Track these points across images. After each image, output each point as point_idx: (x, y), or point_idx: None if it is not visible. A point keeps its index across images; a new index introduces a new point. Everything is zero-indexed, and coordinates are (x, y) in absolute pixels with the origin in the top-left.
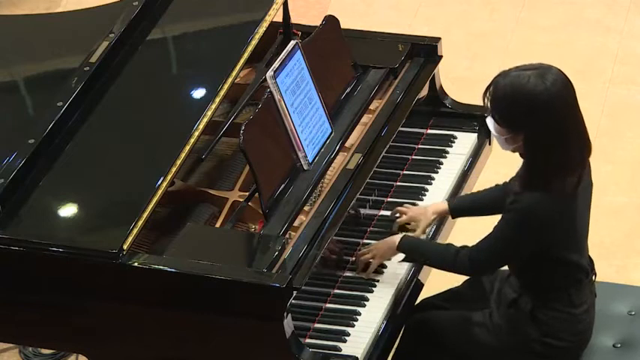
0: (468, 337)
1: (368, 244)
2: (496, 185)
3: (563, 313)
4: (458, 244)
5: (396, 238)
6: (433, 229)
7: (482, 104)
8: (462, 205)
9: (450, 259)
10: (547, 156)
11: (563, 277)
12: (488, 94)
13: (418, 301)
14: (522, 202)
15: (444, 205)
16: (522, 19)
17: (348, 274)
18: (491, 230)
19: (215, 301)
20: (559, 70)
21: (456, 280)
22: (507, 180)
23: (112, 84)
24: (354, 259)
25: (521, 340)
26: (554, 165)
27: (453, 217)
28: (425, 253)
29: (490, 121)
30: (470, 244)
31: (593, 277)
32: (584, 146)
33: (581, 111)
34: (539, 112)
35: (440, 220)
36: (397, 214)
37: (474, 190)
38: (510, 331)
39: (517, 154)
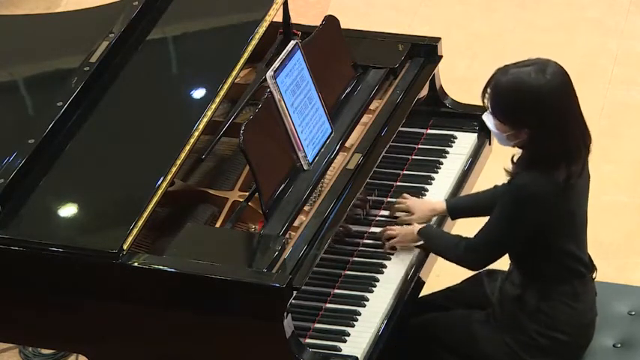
0: (472, 337)
1: (369, 243)
2: (495, 186)
3: (568, 306)
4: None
5: (420, 225)
6: (436, 224)
7: (482, 104)
8: (460, 206)
9: (450, 249)
10: (551, 149)
11: (564, 269)
12: (487, 93)
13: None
14: (519, 181)
15: (442, 205)
16: (522, 20)
17: (348, 273)
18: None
19: (215, 301)
20: (556, 63)
21: (455, 279)
22: (505, 182)
23: (112, 84)
24: (354, 258)
25: (525, 335)
26: (558, 156)
27: (452, 218)
28: (436, 242)
29: (489, 120)
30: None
31: (594, 275)
32: (584, 134)
33: (581, 111)
34: (543, 107)
35: (441, 219)
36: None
37: (474, 191)
38: (514, 326)
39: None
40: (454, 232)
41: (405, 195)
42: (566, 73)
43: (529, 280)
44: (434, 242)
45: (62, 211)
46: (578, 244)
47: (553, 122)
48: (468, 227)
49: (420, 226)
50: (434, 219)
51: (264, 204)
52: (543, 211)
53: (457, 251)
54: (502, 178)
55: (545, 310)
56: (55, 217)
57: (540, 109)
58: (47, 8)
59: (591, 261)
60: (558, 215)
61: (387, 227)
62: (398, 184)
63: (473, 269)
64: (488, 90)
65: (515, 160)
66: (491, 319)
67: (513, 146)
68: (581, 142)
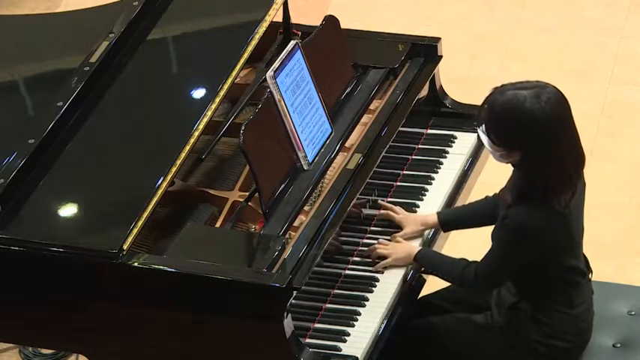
0: (471, 340)
1: (369, 243)
2: (486, 197)
3: (565, 314)
4: (458, 249)
5: (416, 248)
6: (431, 234)
7: (480, 106)
8: (452, 218)
9: (457, 274)
10: (543, 173)
11: (561, 281)
12: (483, 111)
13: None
14: (517, 217)
15: (434, 218)
16: (522, 19)
17: (348, 273)
18: (490, 241)
19: (215, 301)
20: (554, 87)
21: None
22: (497, 192)
23: (112, 84)
24: (354, 258)
25: (524, 342)
26: (550, 182)
27: (444, 231)
28: (436, 266)
29: (484, 137)
30: (474, 254)
31: (590, 276)
32: (578, 160)
33: (582, 111)
34: (535, 133)
35: (435, 230)
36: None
37: (470, 197)
38: (513, 333)
39: None
40: (448, 243)
41: (396, 209)
42: (563, 99)
43: (525, 291)
44: (434, 266)
45: (62, 211)
46: (575, 254)
47: (544, 148)
48: (463, 237)
49: (417, 249)
50: (425, 232)
51: (264, 204)
52: (543, 240)
53: (466, 277)
54: (502, 179)
55: (542, 320)
56: (55, 217)
57: (531, 134)
58: (47, 8)
59: (587, 263)
60: (557, 239)
61: (378, 244)
62: (398, 184)
63: (484, 293)
64: (484, 109)
65: (509, 186)
66: (490, 322)
67: (507, 163)
68: (573, 169)
